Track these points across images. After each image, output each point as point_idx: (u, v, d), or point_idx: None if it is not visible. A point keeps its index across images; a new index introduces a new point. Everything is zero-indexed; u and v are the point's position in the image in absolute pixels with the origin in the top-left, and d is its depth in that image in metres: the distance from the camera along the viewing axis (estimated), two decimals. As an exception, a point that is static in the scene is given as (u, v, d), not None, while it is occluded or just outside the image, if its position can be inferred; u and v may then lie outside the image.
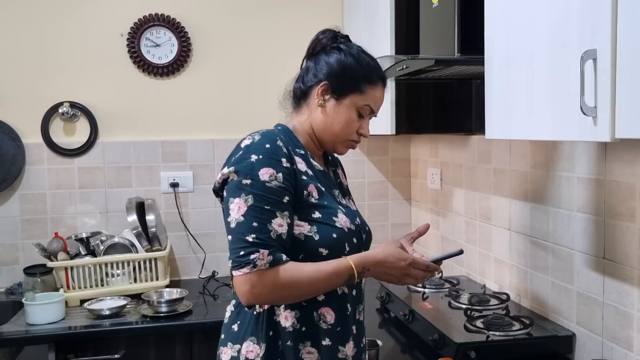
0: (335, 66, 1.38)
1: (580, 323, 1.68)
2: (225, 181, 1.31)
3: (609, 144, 1.54)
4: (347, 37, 1.45)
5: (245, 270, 1.23)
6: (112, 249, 2.45)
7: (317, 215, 1.32)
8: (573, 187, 1.70)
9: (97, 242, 2.48)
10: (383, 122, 2.23)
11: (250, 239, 1.23)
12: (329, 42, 1.41)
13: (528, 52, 1.29)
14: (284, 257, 1.25)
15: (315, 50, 1.43)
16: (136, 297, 2.33)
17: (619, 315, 1.52)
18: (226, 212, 1.28)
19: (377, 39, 2.30)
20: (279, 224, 1.25)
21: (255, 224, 1.23)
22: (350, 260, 1.29)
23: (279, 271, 1.23)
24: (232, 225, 1.25)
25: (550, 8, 1.21)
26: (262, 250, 1.22)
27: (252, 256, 1.22)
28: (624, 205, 1.49)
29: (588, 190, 1.63)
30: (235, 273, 1.25)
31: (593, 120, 1.07)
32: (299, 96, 1.44)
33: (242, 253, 1.23)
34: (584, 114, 1.08)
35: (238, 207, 1.25)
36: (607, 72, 1.03)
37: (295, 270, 1.25)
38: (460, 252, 1.47)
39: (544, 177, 1.84)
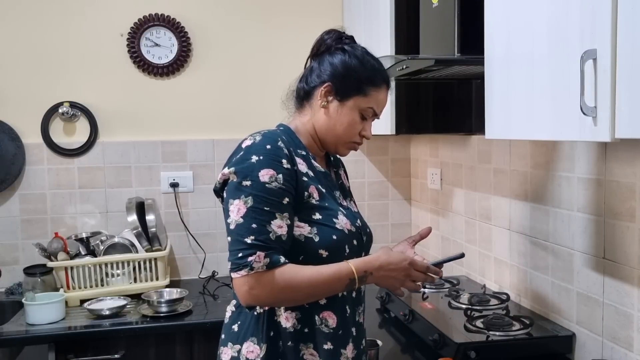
0: (339, 68, 1.38)
1: (580, 323, 1.68)
2: (225, 182, 1.31)
3: (609, 144, 1.54)
4: (352, 38, 1.44)
5: (243, 272, 1.23)
6: (112, 249, 2.45)
7: (317, 216, 1.32)
8: (573, 187, 1.70)
9: (97, 242, 2.48)
10: (383, 122, 2.22)
11: (249, 240, 1.23)
12: (334, 42, 1.41)
13: (528, 52, 1.29)
14: (282, 259, 1.25)
15: (320, 50, 1.42)
16: (136, 297, 2.33)
17: (619, 315, 1.52)
18: (226, 214, 1.28)
19: (377, 39, 2.30)
20: (278, 226, 1.25)
21: (254, 226, 1.23)
22: (351, 265, 1.29)
23: (276, 274, 1.23)
24: (232, 226, 1.25)
25: (550, 8, 1.21)
26: (259, 253, 1.22)
27: (250, 258, 1.22)
28: (624, 205, 1.49)
29: (588, 190, 1.63)
30: (233, 275, 1.25)
31: (593, 120, 1.07)
32: (302, 96, 1.44)
33: (240, 255, 1.23)
34: (584, 114, 1.08)
35: (237, 209, 1.25)
36: (607, 72, 1.03)
37: (293, 272, 1.25)
38: (462, 255, 1.47)
39: (544, 177, 1.84)
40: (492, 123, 1.47)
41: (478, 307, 1.92)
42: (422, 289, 2.14)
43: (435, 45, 1.93)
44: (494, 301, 1.98)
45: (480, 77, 1.58)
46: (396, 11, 2.20)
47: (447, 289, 2.16)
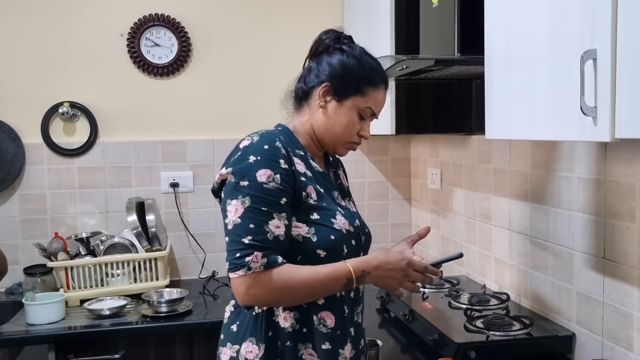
0: (338, 67, 1.38)
1: (580, 323, 1.68)
2: (223, 182, 1.31)
3: (609, 144, 1.54)
4: (350, 38, 1.44)
5: (240, 272, 1.23)
6: (112, 249, 2.45)
7: (315, 216, 1.32)
8: (573, 187, 1.70)
9: (97, 242, 2.48)
10: (383, 122, 2.22)
11: (246, 241, 1.23)
12: (332, 42, 1.41)
13: (528, 52, 1.29)
14: (280, 259, 1.25)
15: (318, 50, 1.42)
16: (136, 297, 2.33)
17: (619, 315, 1.52)
18: (224, 214, 1.28)
19: (377, 39, 2.30)
20: (275, 226, 1.25)
21: (251, 226, 1.23)
22: (348, 264, 1.29)
23: (274, 274, 1.23)
24: (229, 227, 1.26)
25: (550, 8, 1.21)
26: (256, 253, 1.22)
27: (247, 259, 1.22)
28: (624, 205, 1.49)
29: (588, 190, 1.63)
30: (231, 275, 1.25)
31: (593, 120, 1.07)
32: (301, 96, 1.44)
33: (237, 255, 1.23)
34: (584, 114, 1.08)
35: (235, 209, 1.25)
36: (607, 72, 1.03)
37: (291, 272, 1.25)
38: (460, 255, 1.46)
39: (544, 177, 1.84)
40: (492, 123, 1.47)
41: (478, 307, 1.92)
42: (422, 289, 2.14)
43: (435, 45, 1.93)
44: (494, 301, 1.98)
45: (480, 77, 1.58)
46: (396, 11, 2.20)
47: (447, 289, 2.16)
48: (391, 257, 1.32)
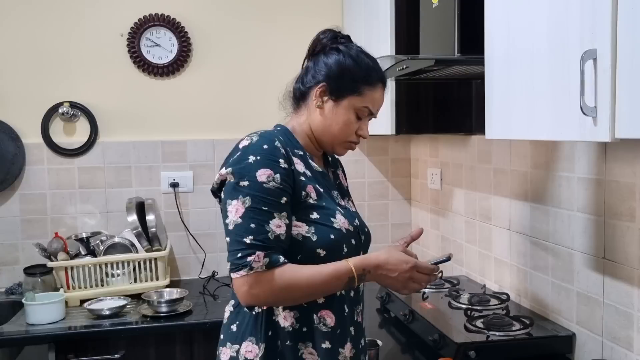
0: (334, 67, 1.38)
1: (580, 323, 1.68)
2: (223, 182, 1.31)
3: (609, 144, 1.54)
4: (347, 38, 1.44)
5: (242, 272, 1.23)
6: (112, 249, 2.45)
7: (315, 216, 1.32)
8: (573, 187, 1.70)
9: (97, 242, 2.48)
10: (383, 122, 2.23)
11: (247, 240, 1.23)
12: (329, 42, 1.41)
13: (528, 52, 1.29)
14: (282, 259, 1.25)
15: (316, 50, 1.42)
16: (136, 297, 2.33)
17: (619, 315, 1.52)
18: (224, 214, 1.28)
19: (377, 39, 2.30)
20: (276, 225, 1.25)
21: (252, 226, 1.23)
22: (350, 263, 1.28)
23: (276, 273, 1.23)
24: (230, 227, 1.26)
25: (550, 8, 1.21)
26: (258, 253, 1.22)
27: (249, 258, 1.22)
28: (624, 205, 1.49)
29: (588, 190, 1.63)
30: (233, 275, 1.25)
31: (593, 120, 1.07)
32: (298, 97, 1.44)
33: (239, 255, 1.23)
34: (584, 114, 1.08)
35: (236, 209, 1.25)
36: (607, 72, 1.03)
37: (293, 272, 1.25)
38: (449, 258, 1.43)
39: (544, 177, 1.84)
40: (492, 123, 1.47)
41: (478, 307, 1.92)
42: (422, 289, 2.14)
43: (435, 45, 1.93)
44: (494, 301, 1.98)
45: (480, 77, 1.58)
46: (396, 11, 2.20)
47: (447, 289, 2.16)
48: (392, 258, 1.31)
